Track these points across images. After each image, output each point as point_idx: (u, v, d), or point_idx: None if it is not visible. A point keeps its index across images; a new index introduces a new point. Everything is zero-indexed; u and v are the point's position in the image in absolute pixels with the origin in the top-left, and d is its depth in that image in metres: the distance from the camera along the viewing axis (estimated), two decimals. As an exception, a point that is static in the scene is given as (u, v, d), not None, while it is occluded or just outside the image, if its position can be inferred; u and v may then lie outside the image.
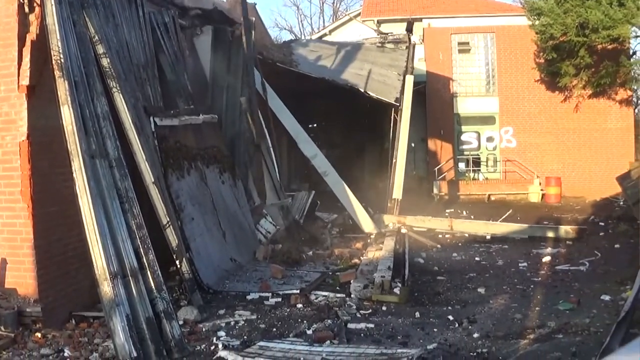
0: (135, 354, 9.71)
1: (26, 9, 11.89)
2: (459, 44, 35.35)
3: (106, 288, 10.25)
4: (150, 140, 14.19)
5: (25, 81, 11.65)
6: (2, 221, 11.88)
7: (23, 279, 11.72)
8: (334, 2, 70.52)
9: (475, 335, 11.09)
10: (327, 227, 22.86)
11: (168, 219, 13.10)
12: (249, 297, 13.94)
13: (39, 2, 11.74)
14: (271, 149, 21.37)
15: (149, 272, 11.15)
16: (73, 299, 12.41)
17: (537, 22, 31.45)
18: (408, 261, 16.91)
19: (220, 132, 18.90)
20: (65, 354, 10.35)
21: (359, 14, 39.12)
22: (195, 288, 13.30)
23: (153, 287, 11.07)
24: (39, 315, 11.35)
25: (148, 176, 12.93)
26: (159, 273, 11.28)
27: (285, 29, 74.10)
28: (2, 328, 10.96)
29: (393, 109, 25.64)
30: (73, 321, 11.95)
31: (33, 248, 11.62)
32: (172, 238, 13.10)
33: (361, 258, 17.43)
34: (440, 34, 35.10)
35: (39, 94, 11.81)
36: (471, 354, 10.15)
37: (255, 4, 31.47)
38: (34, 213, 11.65)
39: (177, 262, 13.16)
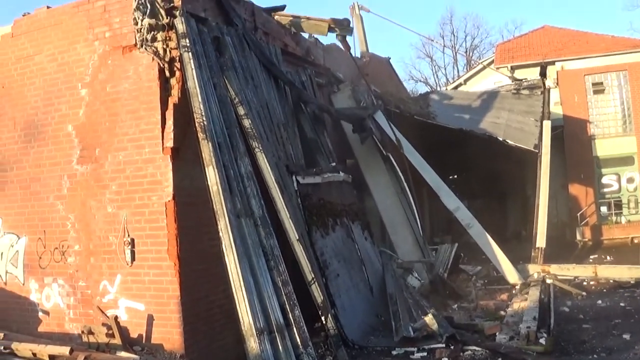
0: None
1: (167, 74, 12.13)
2: (593, 84, 34.07)
3: (253, 344, 10.28)
4: (294, 199, 14.07)
5: (170, 143, 11.82)
6: (149, 279, 12.09)
7: (169, 335, 11.82)
8: (466, 52, 70.00)
9: (621, 383, 10.42)
10: (472, 279, 22.14)
11: (313, 276, 12.85)
12: (394, 352, 13.47)
13: (179, 67, 11.90)
14: (413, 204, 20.92)
15: (294, 328, 11.08)
16: (218, 355, 12.39)
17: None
18: (553, 310, 16.30)
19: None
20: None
21: (492, 62, 38.50)
22: (341, 344, 12.90)
23: (299, 342, 11.00)
24: (185, 370, 11.35)
25: (292, 234, 12.75)
26: (305, 329, 11.20)
27: (420, 80, 73.63)
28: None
29: (533, 156, 24.85)
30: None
31: (179, 305, 11.75)
32: (317, 294, 12.82)
33: (506, 309, 16.73)
34: (573, 76, 33.98)
35: (183, 156, 11.97)
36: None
37: (389, 58, 31.47)
38: (180, 271, 11.81)
39: (323, 318, 12.86)
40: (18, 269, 14.04)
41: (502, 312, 16.61)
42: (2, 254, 14.36)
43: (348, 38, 20.87)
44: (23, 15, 14.56)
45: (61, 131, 13.48)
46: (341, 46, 21.17)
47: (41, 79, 13.90)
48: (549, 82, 30.22)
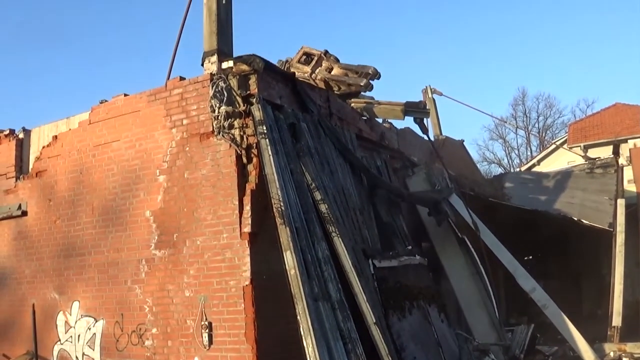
0: None
1: (244, 160, 12.21)
2: (665, 161, 33.35)
3: None
4: (370, 282, 13.85)
5: (247, 229, 11.83)
6: (227, 362, 11.90)
7: (246, 418, 11.61)
8: (539, 132, 69.69)
9: None
10: (548, 360, 21.65)
11: (390, 359, 12.55)
12: None
13: (256, 153, 11.94)
14: (489, 286, 20.57)
15: (371, 411, 10.74)
16: None
17: None
18: (629, 389, 15.73)
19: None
20: None
21: (564, 142, 38.14)
22: None
23: None
24: None
25: (369, 317, 12.49)
26: (382, 412, 10.82)
27: (493, 162, 73.53)
28: None
29: (607, 234, 24.35)
30: None
31: (257, 387, 11.55)
32: (395, 377, 12.57)
33: (583, 390, 16.33)
34: (645, 153, 33.35)
35: (261, 240, 11.95)
36: None
37: (463, 141, 31.32)
38: (258, 354, 11.63)
39: (399, 400, 12.61)
40: (95, 352, 14.08)
41: (579, 393, 16.23)
42: (79, 336, 14.44)
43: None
44: (100, 103, 14.81)
45: (139, 216, 13.59)
46: (417, 129, 21.15)
47: (119, 165, 14.09)
48: (622, 160, 29.76)
